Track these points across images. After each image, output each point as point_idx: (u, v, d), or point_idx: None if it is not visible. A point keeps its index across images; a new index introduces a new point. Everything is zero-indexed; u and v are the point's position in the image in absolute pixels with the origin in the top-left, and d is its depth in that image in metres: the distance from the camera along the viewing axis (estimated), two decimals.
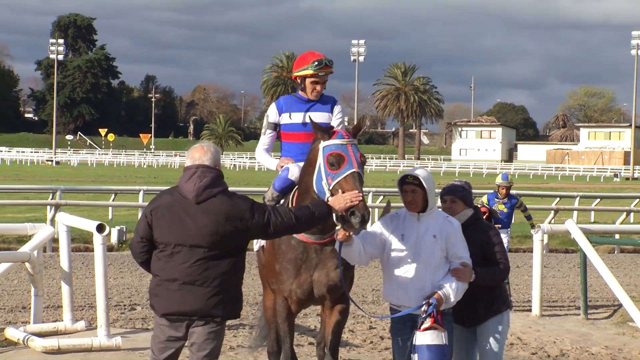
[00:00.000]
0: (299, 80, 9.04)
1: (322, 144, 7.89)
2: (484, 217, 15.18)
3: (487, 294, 8.19)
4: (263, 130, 9.21)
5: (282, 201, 8.73)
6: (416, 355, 7.83)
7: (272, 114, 9.10)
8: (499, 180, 17.78)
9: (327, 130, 7.97)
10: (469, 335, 8.29)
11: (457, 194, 8.32)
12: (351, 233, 7.66)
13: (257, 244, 9.02)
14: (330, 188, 7.66)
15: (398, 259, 8.01)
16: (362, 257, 7.95)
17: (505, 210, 17.37)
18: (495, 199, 17.57)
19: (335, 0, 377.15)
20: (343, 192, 7.52)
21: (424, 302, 7.84)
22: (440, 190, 8.61)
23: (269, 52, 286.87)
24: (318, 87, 8.97)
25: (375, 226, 8.15)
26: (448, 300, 7.90)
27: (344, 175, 7.64)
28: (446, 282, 7.92)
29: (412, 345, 7.90)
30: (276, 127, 9.10)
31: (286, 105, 9.06)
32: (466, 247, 8.07)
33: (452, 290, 7.88)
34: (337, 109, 9.05)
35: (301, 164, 8.45)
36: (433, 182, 8.08)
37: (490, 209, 15.77)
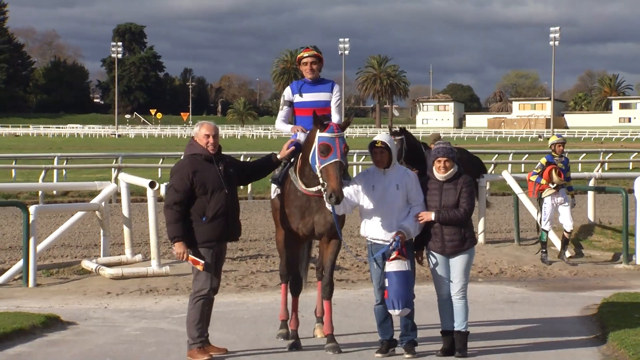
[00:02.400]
0: (300, 68, 9.02)
1: (318, 133, 8.13)
2: (561, 175, 14.13)
3: (459, 232, 8.16)
4: (280, 107, 9.18)
5: (292, 160, 8.70)
6: (386, 279, 8.04)
7: (287, 94, 9.06)
8: (554, 139, 14.61)
9: (322, 122, 8.16)
10: (443, 261, 8.23)
11: (450, 154, 8.24)
12: None
13: (274, 193, 8.96)
14: (319, 169, 8.01)
15: (370, 204, 8.23)
16: (346, 207, 8.25)
17: (563, 167, 14.56)
18: (555, 159, 14.43)
19: (325, 9, 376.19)
20: (326, 176, 7.92)
21: (391, 240, 8.02)
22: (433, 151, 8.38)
23: (275, 50, 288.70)
24: (307, 67, 8.91)
25: (352, 182, 8.37)
26: (409, 236, 8.14)
27: (329, 162, 7.97)
28: (407, 222, 8.14)
29: (383, 272, 8.04)
30: (290, 104, 9.06)
31: (297, 88, 9.00)
32: (420, 192, 8.25)
33: (411, 229, 8.15)
34: (335, 89, 9.04)
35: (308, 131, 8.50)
36: (395, 145, 8.28)
37: (557, 166, 14.27)
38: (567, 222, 14.50)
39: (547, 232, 14.58)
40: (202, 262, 7.91)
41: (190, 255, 7.92)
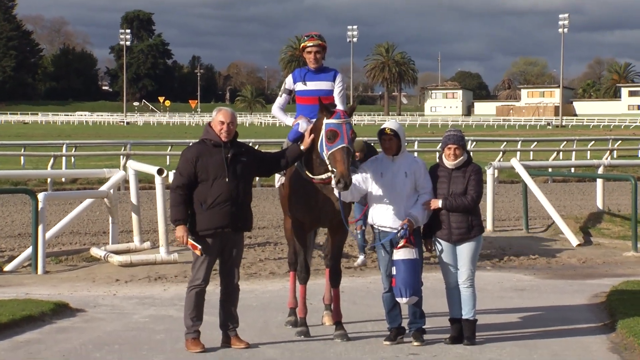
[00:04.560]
0: (304, 56, 8.98)
1: (325, 120, 8.08)
2: None
3: (466, 220, 8.14)
4: (280, 93, 9.16)
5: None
6: (394, 267, 8.04)
7: (288, 81, 9.03)
8: None
9: (329, 109, 8.12)
10: (450, 249, 8.22)
11: (461, 142, 8.20)
12: None
13: (278, 181, 8.96)
14: (327, 156, 7.96)
15: (379, 191, 8.20)
16: (354, 195, 8.20)
17: None
18: None
19: None
20: (334, 161, 7.87)
21: (399, 228, 8.00)
22: (444, 138, 8.26)
23: (282, 37, 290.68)
24: (311, 57, 8.86)
25: (360, 169, 8.33)
26: (417, 224, 8.12)
27: (336, 148, 7.93)
28: (415, 210, 8.10)
29: (391, 260, 8.02)
30: (290, 92, 9.04)
31: (300, 76, 8.95)
32: (429, 180, 8.22)
33: (419, 217, 8.13)
34: (338, 78, 8.97)
35: (310, 120, 8.48)
36: (404, 132, 8.22)
37: None
38: None
39: None
40: (200, 247, 7.89)
41: (189, 240, 7.91)
